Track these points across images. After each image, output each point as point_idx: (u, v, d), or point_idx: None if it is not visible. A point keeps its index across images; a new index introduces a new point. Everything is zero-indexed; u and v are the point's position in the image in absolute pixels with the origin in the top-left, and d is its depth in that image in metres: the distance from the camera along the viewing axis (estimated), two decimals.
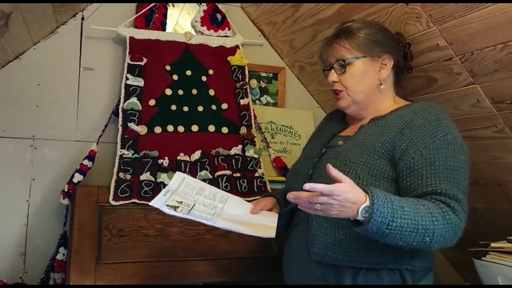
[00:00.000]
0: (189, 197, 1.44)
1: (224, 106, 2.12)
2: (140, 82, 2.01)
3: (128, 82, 1.99)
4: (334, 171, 1.18)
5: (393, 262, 1.33)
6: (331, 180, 1.35)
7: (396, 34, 1.61)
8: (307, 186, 1.15)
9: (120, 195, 1.82)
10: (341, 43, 1.50)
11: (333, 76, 1.51)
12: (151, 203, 1.36)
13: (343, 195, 1.16)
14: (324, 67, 1.58)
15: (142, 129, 1.96)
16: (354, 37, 1.49)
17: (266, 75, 2.36)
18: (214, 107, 2.10)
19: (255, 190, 2.02)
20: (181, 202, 1.40)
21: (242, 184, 2.00)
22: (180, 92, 2.07)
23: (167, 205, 1.36)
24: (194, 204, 1.41)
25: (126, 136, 1.93)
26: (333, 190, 1.15)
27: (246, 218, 1.46)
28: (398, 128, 1.38)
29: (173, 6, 2.21)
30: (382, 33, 1.52)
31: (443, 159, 1.30)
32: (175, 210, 1.35)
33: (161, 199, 1.38)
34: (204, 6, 2.20)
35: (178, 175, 1.50)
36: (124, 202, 1.82)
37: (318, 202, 1.16)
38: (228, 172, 1.99)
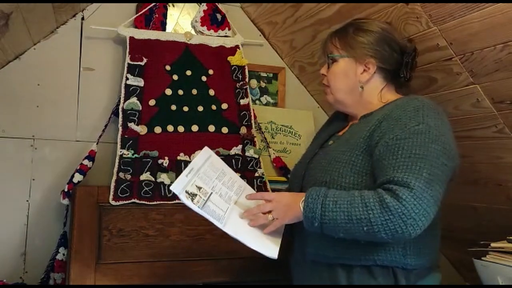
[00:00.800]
0: (209, 181, 1.41)
1: (224, 106, 2.12)
2: (140, 82, 2.00)
3: (128, 82, 1.99)
4: (256, 196, 1.46)
5: (383, 259, 1.33)
6: (315, 181, 1.40)
7: (407, 41, 1.56)
8: (248, 197, 1.44)
9: (120, 195, 1.82)
10: (333, 41, 1.53)
11: (323, 69, 1.56)
12: (171, 187, 1.32)
13: (282, 196, 1.39)
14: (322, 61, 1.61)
15: (142, 129, 1.96)
16: (344, 35, 1.50)
17: (266, 75, 2.36)
18: (214, 107, 2.10)
19: (255, 190, 2.02)
20: (200, 189, 1.36)
21: None
22: (180, 92, 2.07)
23: (186, 191, 1.33)
24: (211, 193, 1.38)
25: (126, 136, 1.93)
26: (272, 194, 1.39)
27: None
28: (378, 121, 1.37)
29: (173, 6, 2.21)
30: (377, 37, 1.48)
31: (407, 148, 1.26)
32: (192, 200, 1.32)
33: (183, 181, 1.34)
34: (204, 6, 2.19)
35: (206, 151, 1.48)
36: (124, 202, 1.81)
37: (267, 211, 1.36)
38: None
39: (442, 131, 1.31)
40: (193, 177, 1.38)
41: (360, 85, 1.48)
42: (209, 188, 1.40)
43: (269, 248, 1.38)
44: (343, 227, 1.25)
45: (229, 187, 1.46)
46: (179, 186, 1.33)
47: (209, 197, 1.37)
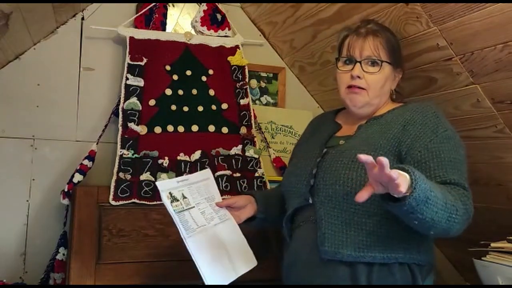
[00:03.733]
0: (197, 197, 1.44)
1: (224, 106, 2.12)
2: (140, 82, 2.01)
3: (128, 82, 1.99)
4: (363, 157, 1.07)
5: (402, 256, 1.35)
6: (338, 178, 1.38)
7: None
8: (363, 157, 1.06)
9: (120, 195, 1.82)
10: (382, 42, 1.48)
11: (358, 70, 1.47)
12: (157, 183, 1.39)
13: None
14: (340, 57, 1.53)
15: (142, 129, 1.96)
16: (389, 40, 1.50)
17: (266, 75, 2.36)
18: (214, 107, 2.10)
19: (255, 190, 2.02)
20: (184, 198, 1.40)
21: (242, 184, 2.00)
22: (180, 92, 2.07)
23: (170, 193, 1.36)
24: (193, 207, 1.42)
25: (126, 136, 1.93)
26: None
27: (226, 248, 1.45)
28: (400, 125, 1.41)
29: (173, 6, 2.21)
30: (400, 47, 1.56)
31: (446, 152, 1.34)
32: (171, 202, 1.36)
33: (171, 183, 1.39)
34: (204, 6, 2.19)
35: (207, 172, 1.53)
36: (124, 202, 1.82)
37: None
38: (228, 172, 1.99)
39: (458, 136, 1.41)
40: (183, 186, 1.42)
41: (392, 92, 1.55)
42: (194, 202, 1.43)
43: (218, 277, 1.38)
44: (439, 209, 1.16)
45: (216, 211, 1.48)
46: (165, 186, 1.38)
47: (189, 208, 1.40)
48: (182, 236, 1.35)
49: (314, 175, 1.46)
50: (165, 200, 1.35)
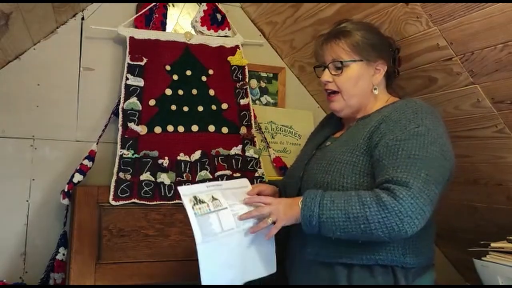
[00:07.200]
0: (233, 200, 1.40)
1: (224, 106, 2.12)
2: (140, 82, 2.00)
3: (128, 82, 1.99)
4: (255, 199, 1.43)
5: (384, 258, 1.34)
6: (316, 182, 1.41)
7: (386, 37, 1.58)
8: (243, 217, 1.38)
9: (120, 195, 1.82)
10: (340, 44, 1.48)
11: (326, 75, 1.51)
12: (179, 188, 1.37)
13: (280, 199, 1.41)
14: (316, 65, 1.57)
15: (142, 129, 1.96)
16: (353, 39, 1.47)
17: (266, 75, 2.36)
18: (214, 107, 2.10)
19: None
20: (214, 200, 1.37)
21: None
22: (180, 92, 2.07)
23: (194, 197, 1.34)
24: (225, 208, 1.37)
25: (126, 136, 1.93)
26: (270, 197, 1.42)
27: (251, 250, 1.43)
28: (377, 123, 1.39)
29: (173, 6, 2.21)
30: (378, 37, 1.52)
31: (407, 149, 1.29)
32: (193, 205, 1.33)
33: (196, 188, 1.38)
34: (204, 6, 2.19)
35: (245, 181, 1.52)
36: (124, 202, 1.82)
37: (267, 215, 1.36)
38: (228, 172, 1.99)
39: (440, 133, 1.34)
40: (215, 189, 1.39)
41: (374, 87, 1.50)
42: (227, 203, 1.39)
43: (256, 271, 1.41)
44: (340, 226, 1.26)
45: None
46: (188, 191, 1.36)
47: (218, 210, 1.36)
48: (195, 240, 1.33)
49: (301, 178, 1.50)
50: (186, 203, 1.33)
